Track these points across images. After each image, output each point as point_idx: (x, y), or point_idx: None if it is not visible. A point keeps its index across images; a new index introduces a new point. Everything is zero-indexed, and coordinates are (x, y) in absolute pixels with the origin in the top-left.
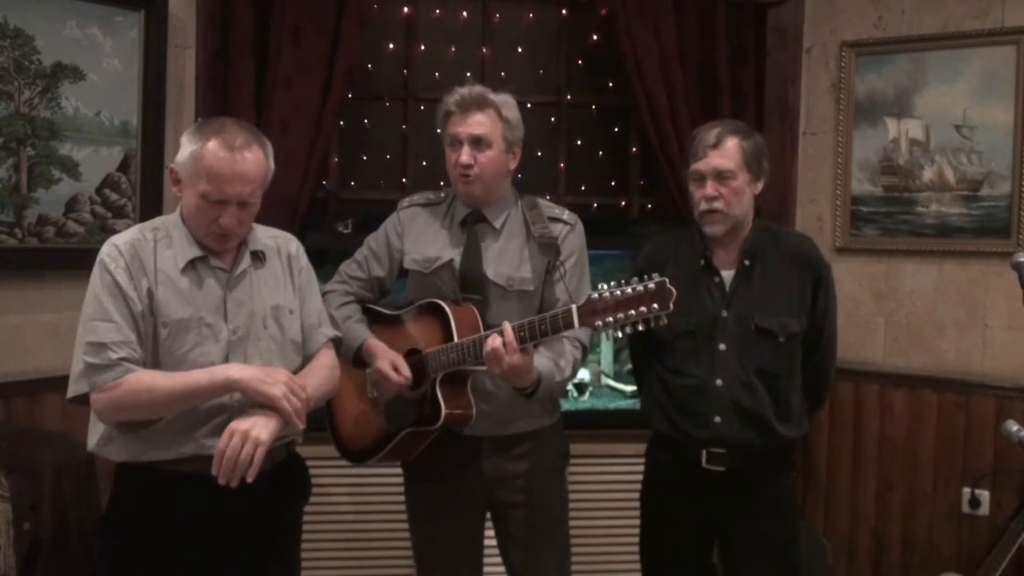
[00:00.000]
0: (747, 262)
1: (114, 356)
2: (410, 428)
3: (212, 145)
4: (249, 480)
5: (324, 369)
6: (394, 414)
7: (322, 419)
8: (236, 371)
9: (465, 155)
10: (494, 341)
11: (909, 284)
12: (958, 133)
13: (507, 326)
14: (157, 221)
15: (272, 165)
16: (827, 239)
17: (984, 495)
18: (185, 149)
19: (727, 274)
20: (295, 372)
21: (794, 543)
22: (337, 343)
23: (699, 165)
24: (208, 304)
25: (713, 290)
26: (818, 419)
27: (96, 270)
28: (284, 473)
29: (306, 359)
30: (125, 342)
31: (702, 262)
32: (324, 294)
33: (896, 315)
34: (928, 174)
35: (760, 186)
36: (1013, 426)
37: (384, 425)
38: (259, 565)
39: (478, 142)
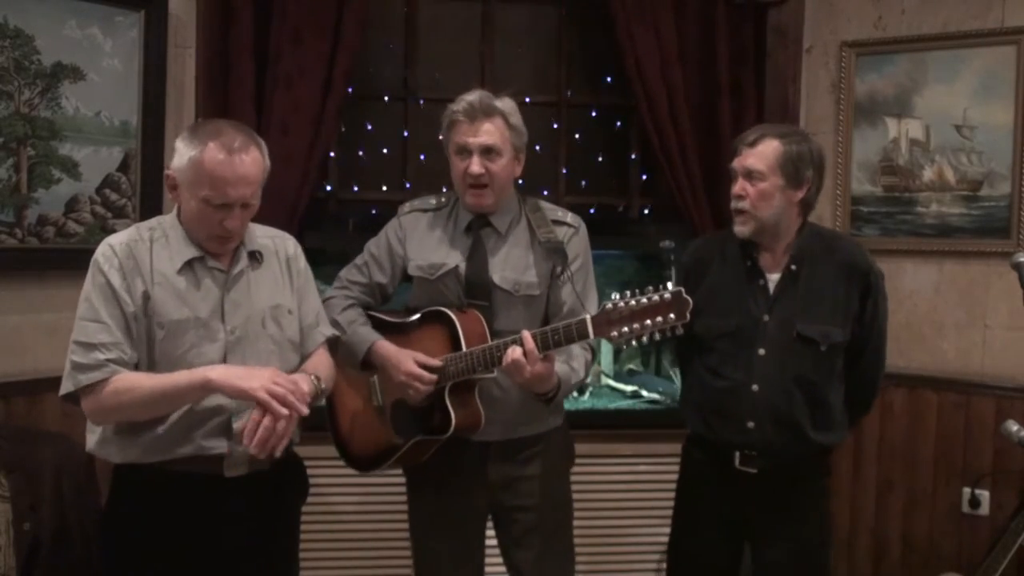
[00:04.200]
0: (794, 267)
1: (101, 357)
2: (419, 437)
3: (211, 150)
4: (278, 454)
5: (326, 363)
6: (402, 423)
7: (324, 422)
8: (214, 372)
9: (477, 165)
10: (514, 352)
11: (909, 284)
12: (958, 133)
13: (527, 336)
14: (153, 221)
15: (268, 163)
16: None
17: (984, 495)
18: (183, 155)
19: (772, 277)
20: (293, 372)
21: (825, 547)
22: (333, 343)
23: (734, 162)
24: (205, 305)
25: (757, 293)
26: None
27: (91, 270)
28: (282, 472)
29: (304, 359)
30: (114, 343)
31: (748, 264)
32: (325, 300)
33: (896, 315)
34: (928, 174)
35: (800, 194)
36: (1013, 426)
37: (391, 434)
38: (259, 564)
39: (488, 151)
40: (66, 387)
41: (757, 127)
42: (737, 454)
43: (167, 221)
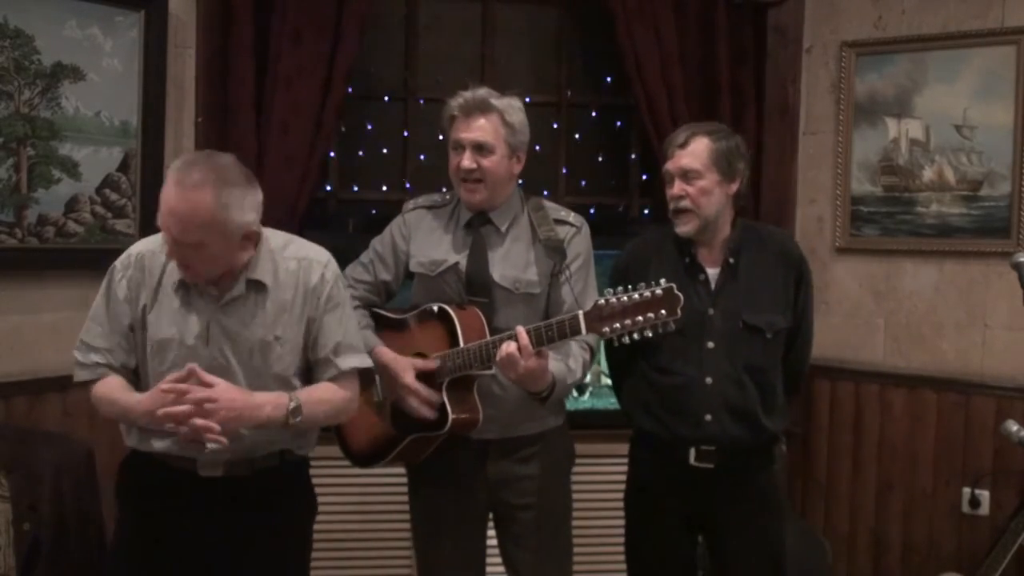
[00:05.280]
0: (731, 260)
1: (94, 359)
2: (417, 433)
3: (169, 178)
4: (210, 446)
5: (327, 395)
6: (401, 419)
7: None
8: (142, 416)
9: (467, 160)
10: (508, 347)
11: (909, 284)
12: (958, 133)
13: (521, 331)
14: None
15: (231, 214)
16: (827, 239)
17: (984, 495)
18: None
19: (712, 272)
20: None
21: (780, 535)
22: (366, 374)
23: (668, 165)
24: (192, 327)
25: (699, 288)
26: (818, 419)
27: (108, 273)
28: (273, 484)
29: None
30: (108, 349)
31: (686, 260)
32: None
33: (896, 315)
34: (928, 174)
35: (735, 187)
36: (1013, 426)
37: (390, 430)
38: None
39: (480, 148)
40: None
41: (682, 128)
42: (692, 450)
43: None
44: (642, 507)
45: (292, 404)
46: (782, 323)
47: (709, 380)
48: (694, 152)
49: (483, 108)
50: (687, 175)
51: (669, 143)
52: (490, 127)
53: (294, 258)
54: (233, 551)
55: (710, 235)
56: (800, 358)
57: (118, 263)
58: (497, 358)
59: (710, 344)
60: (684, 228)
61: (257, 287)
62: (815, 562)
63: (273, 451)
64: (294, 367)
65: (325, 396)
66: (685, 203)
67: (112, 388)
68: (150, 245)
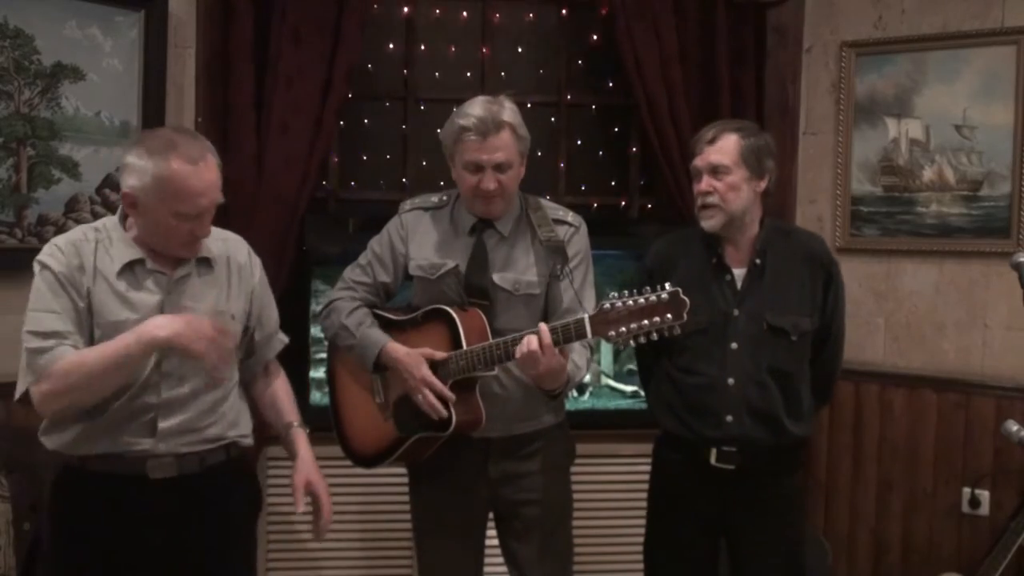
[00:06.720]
0: (758, 260)
1: (52, 342)
2: (420, 434)
3: (176, 164)
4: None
5: (288, 395)
6: (403, 420)
7: (327, 420)
8: (160, 329)
9: (491, 181)
10: (531, 344)
11: (909, 284)
12: (958, 133)
13: (544, 328)
14: (98, 223)
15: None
16: (827, 239)
17: (984, 495)
18: (143, 172)
19: (738, 272)
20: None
21: (801, 541)
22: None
23: (696, 160)
24: (145, 308)
25: (724, 288)
26: (818, 419)
27: (36, 269)
28: (221, 478)
29: (262, 362)
30: (68, 332)
31: (713, 260)
32: (331, 302)
33: (896, 315)
34: (928, 174)
35: (763, 184)
36: (1013, 426)
37: (393, 431)
38: (203, 571)
39: (500, 167)
40: (25, 383)
41: (712, 124)
42: (714, 451)
43: (110, 223)
44: (664, 507)
45: (305, 430)
46: (808, 325)
47: (731, 381)
48: (723, 148)
49: (498, 127)
50: (716, 171)
51: (698, 140)
52: (507, 145)
53: (219, 239)
54: (183, 555)
55: (737, 233)
56: (831, 361)
57: (44, 256)
58: (517, 355)
59: (733, 345)
60: (710, 223)
61: (204, 263)
62: (815, 563)
63: (221, 444)
64: (247, 343)
65: (290, 393)
66: (713, 199)
67: (86, 350)
68: (75, 235)
